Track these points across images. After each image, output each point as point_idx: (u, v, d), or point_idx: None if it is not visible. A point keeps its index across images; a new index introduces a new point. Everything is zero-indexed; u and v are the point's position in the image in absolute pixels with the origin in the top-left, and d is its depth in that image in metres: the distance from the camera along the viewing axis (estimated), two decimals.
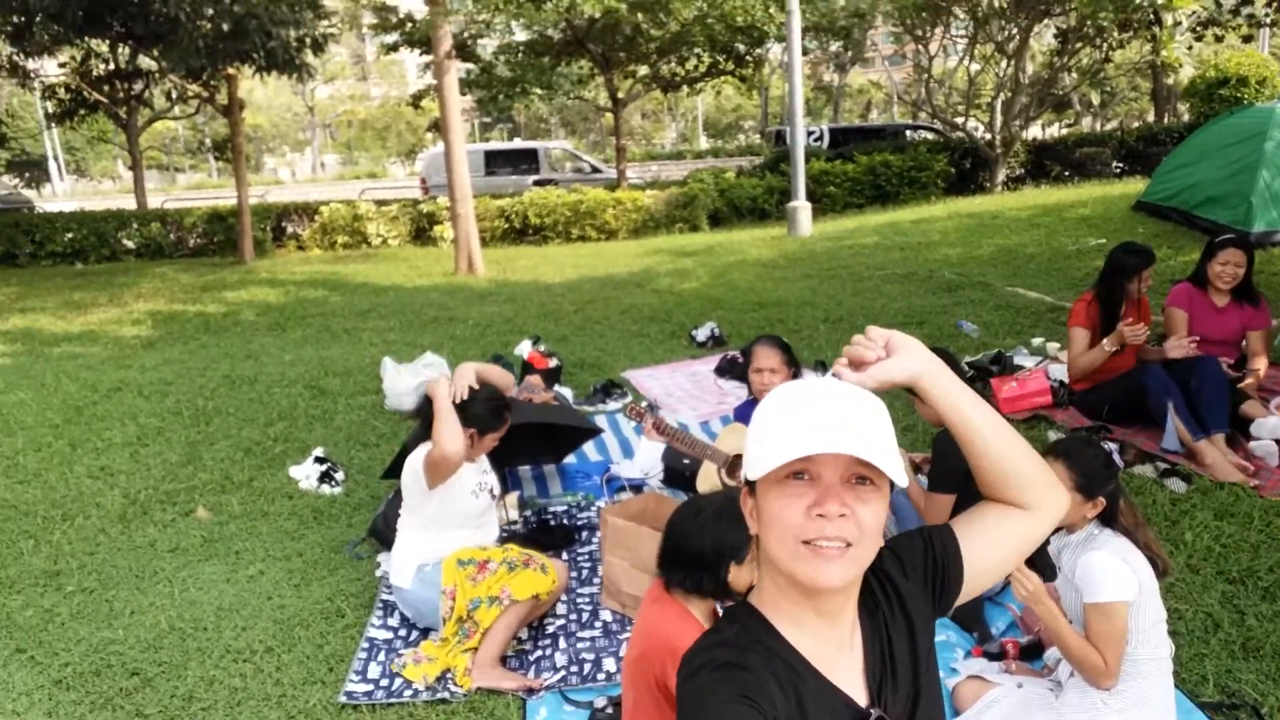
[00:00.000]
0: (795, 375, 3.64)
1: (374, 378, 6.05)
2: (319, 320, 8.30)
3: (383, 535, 3.77)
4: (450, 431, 3.05)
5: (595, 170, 19.03)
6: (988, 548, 1.27)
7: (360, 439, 5.11)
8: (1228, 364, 4.34)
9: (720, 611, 2.44)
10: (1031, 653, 2.95)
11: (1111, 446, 2.54)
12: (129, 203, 17.51)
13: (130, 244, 15.11)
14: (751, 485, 1.19)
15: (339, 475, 4.53)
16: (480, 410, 3.20)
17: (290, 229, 15.48)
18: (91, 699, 2.98)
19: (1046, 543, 2.61)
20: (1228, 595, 3.13)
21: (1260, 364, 4.49)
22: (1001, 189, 14.68)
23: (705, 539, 2.25)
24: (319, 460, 4.61)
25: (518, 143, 25.67)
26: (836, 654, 1.19)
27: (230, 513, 4.29)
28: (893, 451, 1.12)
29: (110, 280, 12.06)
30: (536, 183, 17.51)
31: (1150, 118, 25.39)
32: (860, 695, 1.20)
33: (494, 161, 18.71)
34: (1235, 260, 4.39)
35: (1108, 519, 2.42)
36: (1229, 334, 4.52)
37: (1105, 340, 4.28)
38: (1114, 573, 2.30)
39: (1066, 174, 15.14)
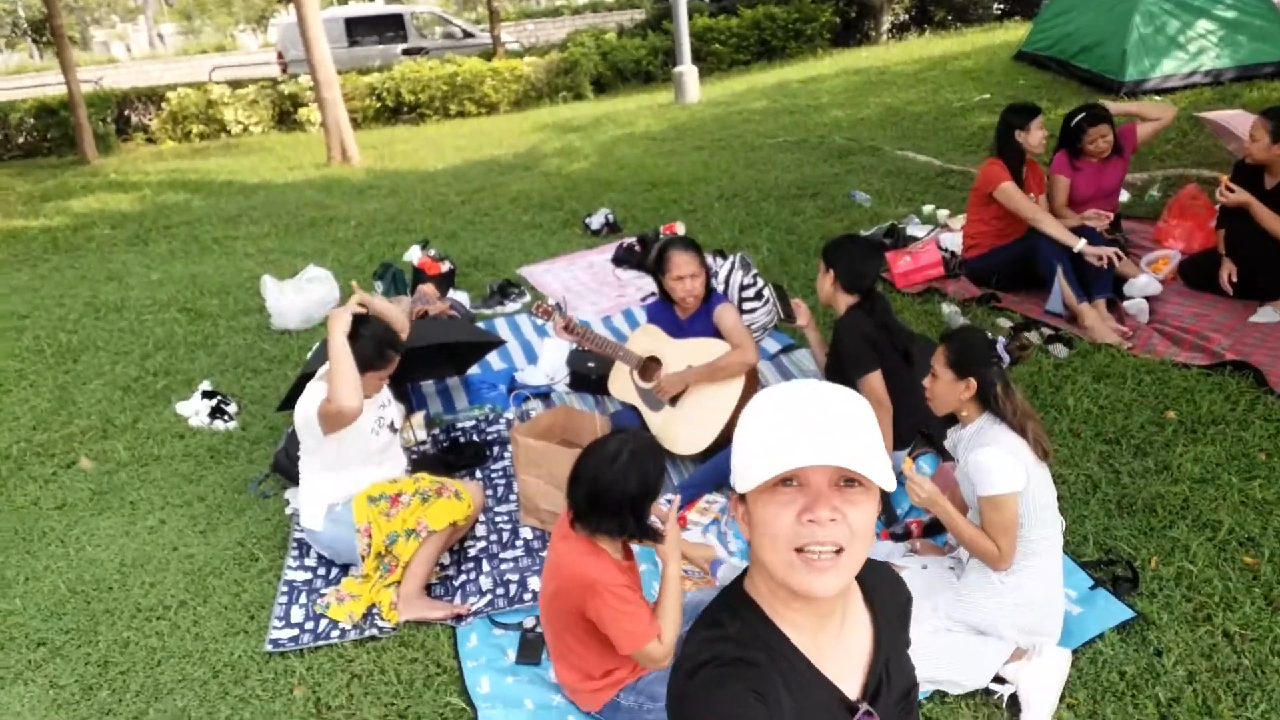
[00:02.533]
0: (707, 273, 3.58)
1: (254, 295, 5.71)
2: (184, 230, 7.71)
3: (287, 470, 3.64)
4: (346, 383, 2.89)
5: (468, 35, 17.87)
6: None
7: (249, 365, 4.85)
8: (1104, 221, 4.48)
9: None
10: (933, 530, 3.12)
11: (1000, 340, 2.61)
12: None
13: None
14: (740, 494, 1.19)
15: (231, 408, 4.31)
16: (365, 348, 3.03)
17: (135, 119, 14.12)
18: None
19: (944, 436, 2.72)
20: (1105, 455, 3.36)
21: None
22: (887, 39, 14.56)
23: (630, 483, 2.23)
24: (207, 395, 4.36)
25: (381, 6, 23.74)
26: (830, 647, 1.22)
27: (117, 460, 4.05)
28: (880, 455, 1.11)
29: None
30: (405, 52, 16.37)
31: None
32: (852, 689, 1.22)
33: (356, 30, 17.28)
34: (1104, 134, 4.53)
35: (988, 404, 2.51)
36: (1111, 184, 4.69)
37: (1082, 244, 4.19)
38: (1002, 466, 2.42)
39: (950, 19, 15.08)
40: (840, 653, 1.22)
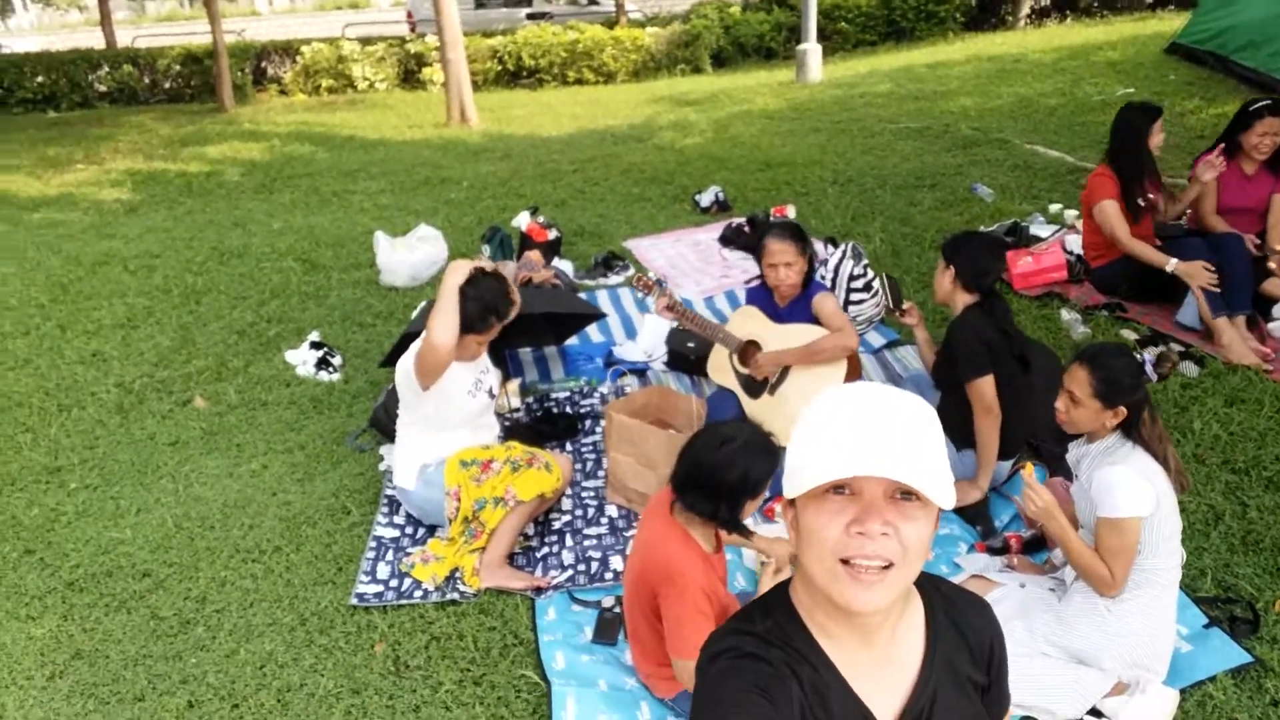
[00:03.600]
0: (810, 260, 3.46)
1: (366, 249, 5.87)
2: (306, 181, 7.99)
3: (384, 426, 3.73)
4: (444, 320, 2.91)
5: (593, 2, 17.83)
6: None
7: (356, 319, 4.99)
8: (1252, 239, 4.16)
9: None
10: (1034, 546, 2.97)
11: (1147, 358, 2.42)
12: (99, 38, 16.56)
13: (103, 88, 14.40)
14: (792, 498, 1.13)
15: (336, 360, 4.45)
16: (469, 309, 3.03)
17: (271, 71, 14.71)
18: (106, 601, 3.03)
19: (1066, 450, 2.56)
20: (1231, 486, 3.12)
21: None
22: (1025, 24, 13.79)
23: (733, 470, 2.18)
24: (315, 345, 4.51)
25: None
26: (871, 667, 1.15)
27: (228, 402, 4.24)
28: (941, 470, 1.04)
29: (85, 131, 11.57)
30: (530, 16, 16.46)
31: None
32: (888, 715, 1.16)
33: None
34: (1274, 130, 4.11)
35: (1129, 429, 2.35)
36: (1257, 202, 4.31)
37: (1174, 264, 3.95)
38: (1131, 488, 2.26)
39: (1095, 5, 14.17)
40: (880, 673, 1.15)
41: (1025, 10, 13.99)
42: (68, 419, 4.17)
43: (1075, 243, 4.78)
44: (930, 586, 1.23)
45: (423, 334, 3.09)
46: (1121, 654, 2.35)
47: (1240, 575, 2.74)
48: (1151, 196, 4.20)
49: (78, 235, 6.88)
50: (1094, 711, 2.31)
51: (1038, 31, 12.80)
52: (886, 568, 1.04)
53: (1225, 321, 3.86)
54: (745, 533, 2.32)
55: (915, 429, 1.04)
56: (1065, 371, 2.45)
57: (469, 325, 3.06)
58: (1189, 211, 4.46)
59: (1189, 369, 3.77)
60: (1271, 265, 4.17)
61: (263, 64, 14.71)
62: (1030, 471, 2.44)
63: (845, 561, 1.04)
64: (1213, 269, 3.87)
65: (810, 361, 3.36)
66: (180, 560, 3.21)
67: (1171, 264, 3.96)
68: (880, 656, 1.16)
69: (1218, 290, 3.88)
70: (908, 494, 1.03)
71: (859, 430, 1.03)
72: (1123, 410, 2.33)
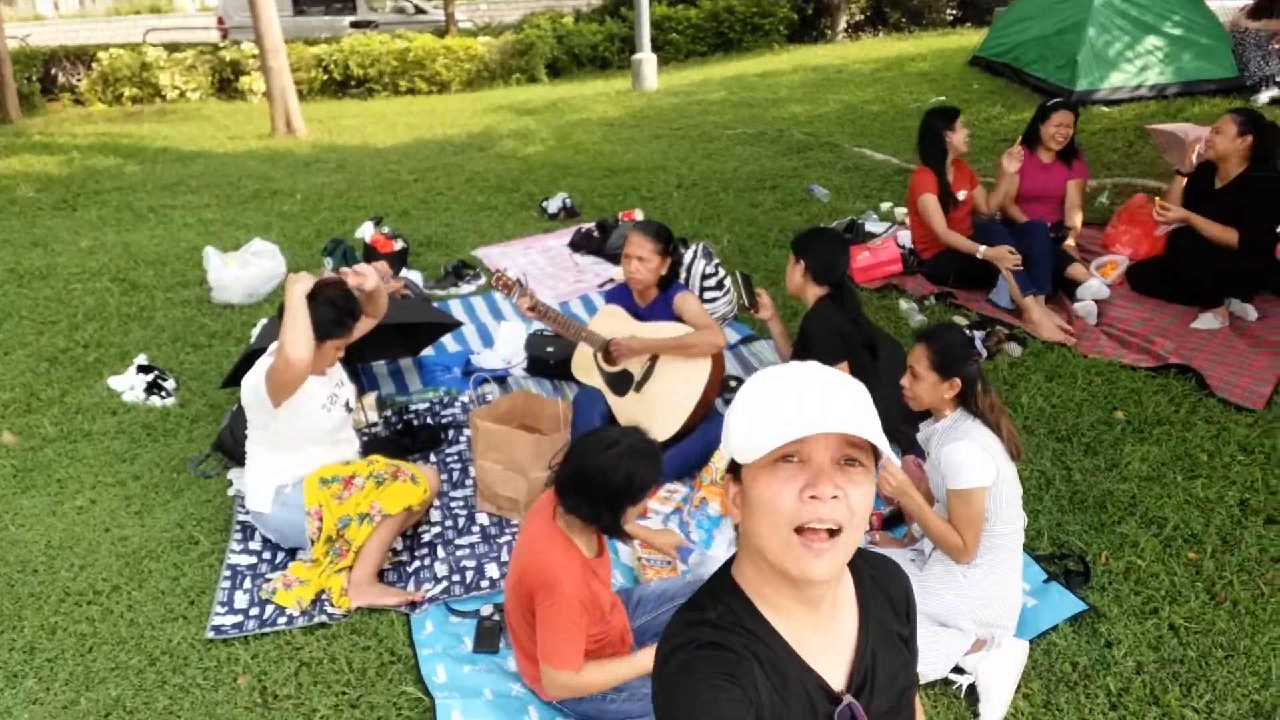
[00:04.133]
0: (673, 261, 3.53)
1: (194, 266, 5.47)
2: (116, 196, 7.35)
3: (230, 450, 3.50)
4: (297, 333, 2.76)
5: (420, 11, 17.45)
6: None
7: (189, 339, 4.64)
8: (1050, 226, 4.63)
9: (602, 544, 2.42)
10: (893, 522, 3.16)
11: (977, 335, 2.63)
12: None
13: None
14: (734, 473, 1.16)
15: (169, 384, 4.12)
16: (322, 313, 2.89)
17: (63, 79, 13.46)
18: None
19: (916, 429, 2.74)
20: (1057, 453, 3.42)
21: (1077, 217, 4.88)
22: (844, 37, 14.67)
23: (617, 474, 2.18)
24: (143, 369, 4.16)
25: None
26: (815, 637, 1.19)
27: (43, 435, 3.83)
28: (879, 428, 1.10)
29: None
30: (354, 24, 15.90)
31: None
32: (838, 680, 1.20)
33: (303, 0, 16.75)
34: (1066, 122, 4.72)
35: (965, 401, 2.54)
36: (1054, 189, 4.87)
37: (984, 250, 4.34)
38: (974, 461, 2.45)
39: (904, 21, 15.26)
40: (825, 642, 1.20)
41: (842, 25, 14.90)
42: None
43: (907, 238, 5.13)
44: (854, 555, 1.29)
45: (272, 348, 2.92)
46: (977, 614, 2.53)
47: (1071, 532, 3.01)
48: (964, 193, 4.60)
49: None
50: (956, 669, 2.47)
51: (855, 44, 13.65)
52: (835, 534, 1.08)
53: (1032, 300, 4.27)
54: (625, 537, 2.33)
55: (855, 393, 1.11)
56: (909, 352, 2.63)
57: (325, 331, 2.92)
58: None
59: (1013, 349, 4.12)
60: (1069, 244, 4.67)
61: (53, 71, 13.45)
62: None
63: (799, 531, 1.08)
64: (1016, 252, 4.25)
65: (680, 353, 3.42)
66: (0, 610, 2.87)
67: (981, 250, 4.37)
68: (824, 627, 1.20)
69: (1021, 270, 4.27)
70: (851, 460, 1.09)
71: (807, 395, 1.08)
72: (957, 382, 2.52)
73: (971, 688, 2.43)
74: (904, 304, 4.53)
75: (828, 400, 1.07)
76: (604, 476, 2.18)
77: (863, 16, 15.55)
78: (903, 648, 1.30)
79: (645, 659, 2.26)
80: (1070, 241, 4.73)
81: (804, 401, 1.07)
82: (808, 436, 1.06)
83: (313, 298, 2.86)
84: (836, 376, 1.12)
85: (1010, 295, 4.34)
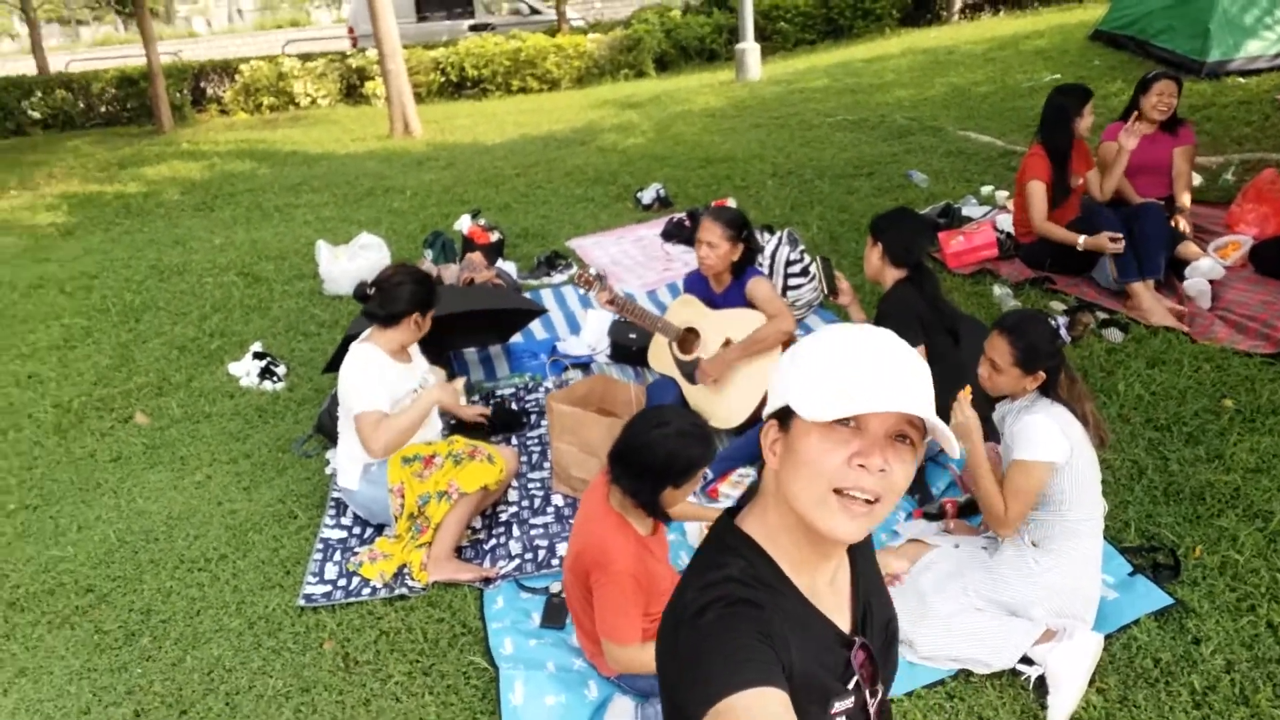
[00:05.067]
0: (748, 247, 3.53)
1: (309, 260, 5.84)
2: (248, 197, 7.91)
3: (329, 431, 3.72)
4: (394, 435, 3.07)
5: (534, 11, 17.87)
6: None
7: (300, 329, 4.97)
8: (1160, 202, 4.35)
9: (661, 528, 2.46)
10: (969, 510, 3.06)
11: (1060, 321, 2.53)
12: (31, 65, 16.21)
13: (36, 115, 14.09)
14: (783, 420, 1.15)
15: (280, 370, 4.42)
16: (406, 290, 3.12)
17: (210, 90, 14.49)
18: (48, 619, 2.99)
19: (992, 408, 2.66)
20: (1154, 442, 3.24)
21: (1185, 193, 4.55)
22: (959, 18, 14.10)
23: (659, 451, 2.22)
24: (258, 355, 4.48)
25: None
26: (826, 589, 1.22)
27: (170, 416, 4.19)
28: (934, 407, 1.11)
29: (18, 159, 11.31)
30: (472, 28, 16.45)
31: None
32: (844, 623, 1.24)
33: (425, 5, 17.39)
34: (1169, 91, 4.43)
35: (1047, 390, 2.46)
36: (1161, 161, 4.56)
37: (1082, 240, 4.13)
38: (1043, 435, 2.37)
39: None
40: (832, 593, 1.22)
41: (958, 5, 14.31)
42: (3, 442, 4.09)
43: (1006, 222, 4.92)
44: None
45: (364, 345, 3.11)
46: (1049, 604, 2.44)
47: (1162, 524, 2.85)
48: (1081, 179, 4.36)
49: (10, 260, 6.74)
50: (1025, 659, 2.39)
51: (970, 24, 13.10)
52: (872, 502, 1.09)
53: (1140, 285, 4.02)
54: (664, 516, 2.34)
55: (921, 370, 1.10)
56: (987, 341, 2.54)
57: (408, 307, 3.12)
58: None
59: (1114, 335, 3.91)
60: (1180, 223, 4.37)
61: (201, 84, 14.50)
62: (967, 391, 2.52)
63: (837, 491, 1.08)
64: (1119, 238, 4.01)
65: (752, 354, 3.43)
66: (123, 574, 3.17)
67: (1081, 240, 4.13)
68: (829, 577, 1.23)
69: (1120, 254, 4.02)
70: (903, 437, 1.09)
71: (880, 367, 1.07)
72: (1041, 375, 2.44)
73: (1041, 679, 2.35)
74: (997, 289, 4.36)
75: (899, 377, 1.07)
76: (646, 452, 2.22)
77: None
78: (883, 588, 1.35)
79: None
80: (1183, 224, 4.41)
81: (878, 374, 1.06)
82: (883, 410, 1.06)
83: (385, 285, 3.10)
84: (904, 350, 1.11)
85: (1113, 277, 4.11)
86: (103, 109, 14.26)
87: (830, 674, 1.18)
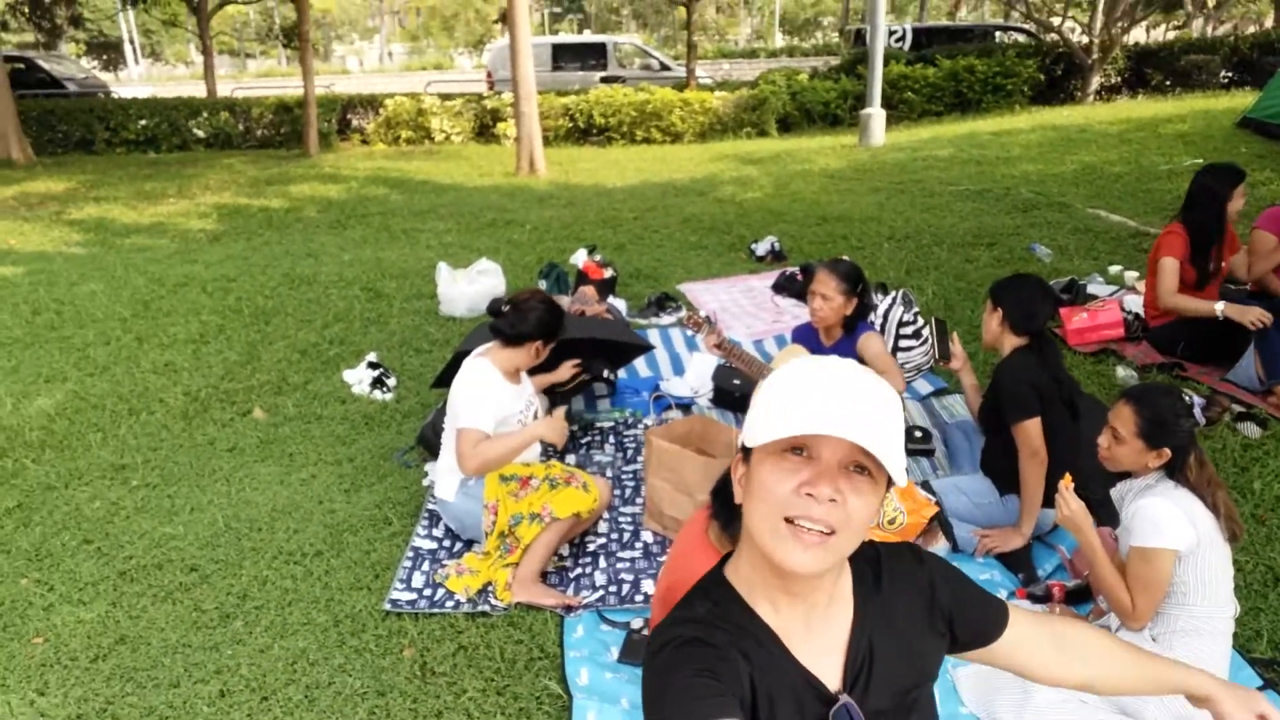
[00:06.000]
0: (861, 303, 3.48)
1: (429, 281, 6.06)
2: (379, 219, 8.32)
3: (431, 444, 3.82)
4: (489, 458, 3.09)
5: (664, 67, 18.39)
6: (1032, 656, 1.33)
7: (413, 344, 5.15)
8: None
9: None
10: (1078, 597, 2.88)
11: (1197, 401, 2.38)
12: (201, 89, 17.62)
13: (200, 133, 15.27)
14: (746, 452, 1.15)
15: (391, 381, 4.58)
16: (535, 314, 3.17)
17: (355, 121, 15.43)
18: (153, 592, 3.13)
19: (1111, 485, 2.51)
20: None
21: None
22: (1094, 99, 13.75)
23: None
24: (372, 365, 4.66)
25: (587, 36, 24.91)
26: (805, 633, 1.17)
27: (285, 414, 4.38)
28: (897, 447, 1.06)
29: (180, 171, 12.24)
30: (604, 79, 17.03)
31: (1269, 23, 23.34)
32: (833, 679, 1.17)
33: (561, 56, 18.19)
34: None
35: (1172, 471, 2.31)
36: None
37: (1222, 307, 3.92)
38: (1165, 520, 2.22)
39: (1168, 83, 14.06)
40: (816, 639, 1.17)
41: (1094, 86, 13.96)
42: (136, 422, 4.36)
43: (1134, 303, 4.71)
44: (858, 549, 1.24)
45: (480, 360, 3.19)
46: (1167, 704, 2.26)
47: None
48: (1224, 263, 4.14)
49: (163, 259, 7.25)
50: None
51: (1106, 106, 12.76)
52: (829, 534, 1.06)
53: None
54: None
55: (880, 403, 1.07)
56: (1112, 409, 2.42)
57: (531, 333, 3.18)
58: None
59: (1250, 430, 3.65)
60: None
61: (348, 115, 15.46)
62: (1068, 481, 2.40)
63: (789, 521, 1.06)
64: (1267, 316, 3.77)
65: None
66: (226, 558, 3.30)
67: (1220, 307, 3.89)
68: (817, 623, 1.18)
69: (1267, 349, 3.77)
70: (861, 468, 1.06)
71: (827, 393, 1.06)
72: (1166, 452, 2.29)
73: None
74: (1121, 370, 4.15)
75: (847, 403, 1.04)
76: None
77: (1119, 78, 14.49)
78: (924, 634, 1.24)
79: None
80: None
81: (823, 399, 1.04)
82: (821, 434, 1.03)
83: (521, 305, 3.17)
84: (867, 381, 1.09)
85: (1257, 374, 3.85)
86: (260, 132, 15.36)
87: None
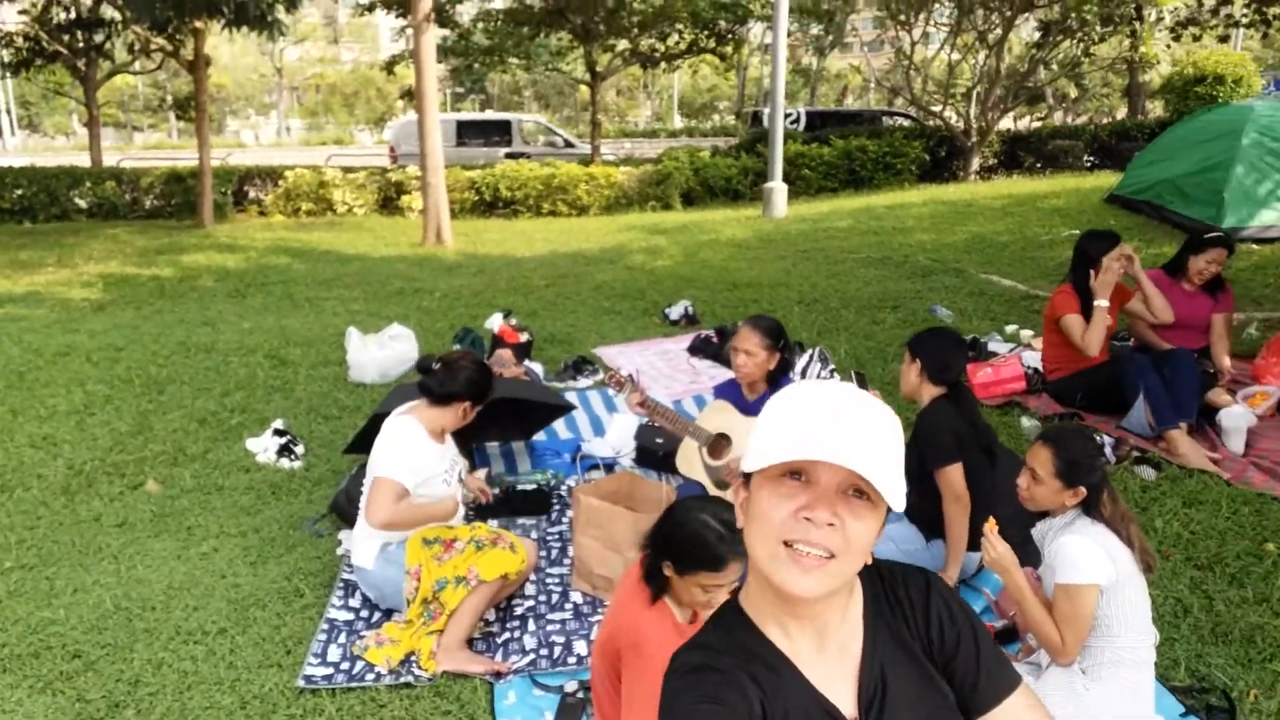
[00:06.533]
0: (783, 358, 3.53)
1: (337, 348, 5.87)
2: (280, 288, 8.06)
3: (344, 512, 3.64)
4: (406, 517, 3.01)
5: (569, 144, 18.76)
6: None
7: (322, 411, 4.94)
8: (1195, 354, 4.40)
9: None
10: (1006, 637, 2.92)
11: (1107, 440, 2.50)
12: (83, 160, 16.93)
13: (83, 203, 14.58)
14: (747, 478, 1.15)
15: (299, 449, 4.37)
16: (466, 374, 3.11)
17: (252, 193, 15.05)
18: (30, 682, 2.83)
19: (1031, 525, 2.58)
20: (1196, 581, 3.14)
21: (1225, 356, 4.61)
22: (975, 178, 14.73)
23: (685, 529, 2.15)
24: (278, 433, 4.44)
25: (491, 114, 25.25)
26: (817, 657, 1.15)
27: (182, 486, 4.11)
28: (896, 472, 1.06)
29: (60, 240, 11.63)
30: (508, 155, 17.22)
31: (1121, 114, 25.65)
32: (848, 705, 1.15)
33: (466, 132, 18.35)
34: (1219, 259, 4.55)
35: (1089, 509, 2.39)
36: (1198, 318, 4.63)
37: (1097, 293, 4.21)
38: (1086, 557, 2.29)
39: (1039, 165, 15.21)
40: (828, 663, 1.15)
41: (975, 165, 14.97)
42: (9, 499, 4.01)
43: (1031, 359, 4.96)
44: (869, 569, 1.22)
45: (403, 418, 3.08)
46: None
47: (1213, 665, 2.72)
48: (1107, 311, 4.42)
49: (40, 329, 6.80)
50: None
51: (986, 184, 13.66)
52: (829, 557, 1.05)
53: (1178, 432, 3.97)
54: (658, 587, 2.21)
55: (878, 429, 1.07)
56: (1029, 451, 2.51)
57: (461, 393, 3.10)
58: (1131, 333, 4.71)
59: (1147, 473, 3.84)
60: (1224, 384, 4.39)
61: (245, 186, 15.08)
62: (993, 525, 2.45)
63: (787, 545, 1.06)
64: (1129, 254, 4.15)
65: None
66: (115, 641, 3.03)
67: (1100, 304, 4.18)
68: (830, 647, 1.16)
69: (1164, 398, 4.02)
70: (860, 492, 1.06)
71: (824, 419, 1.06)
72: (1082, 490, 2.38)
73: None
74: (1026, 422, 4.34)
75: (842, 430, 1.04)
76: (675, 527, 2.15)
77: (995, 160, 15.60)
78: (929, 666, 1.19)
79: None
80: (1224, 379, 4.45)
81: (818, 425, 1.05)
82: (817, 459, 1.03)
83: (452, 364, 3.11)
84: (866, 405, 1.09)
85: (1145, 421, 4.08)
86: (149, 202, 14.78)
87: None
